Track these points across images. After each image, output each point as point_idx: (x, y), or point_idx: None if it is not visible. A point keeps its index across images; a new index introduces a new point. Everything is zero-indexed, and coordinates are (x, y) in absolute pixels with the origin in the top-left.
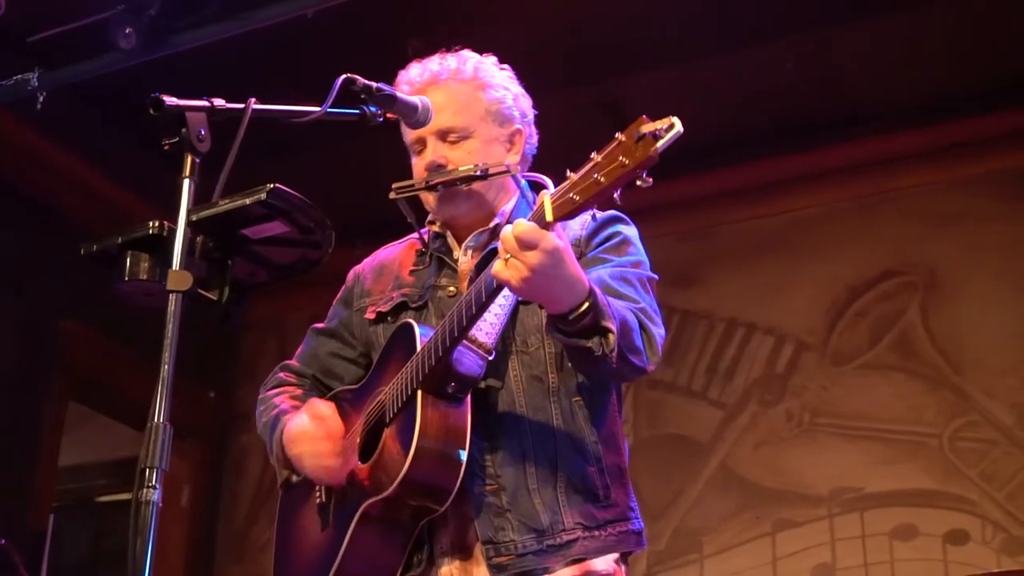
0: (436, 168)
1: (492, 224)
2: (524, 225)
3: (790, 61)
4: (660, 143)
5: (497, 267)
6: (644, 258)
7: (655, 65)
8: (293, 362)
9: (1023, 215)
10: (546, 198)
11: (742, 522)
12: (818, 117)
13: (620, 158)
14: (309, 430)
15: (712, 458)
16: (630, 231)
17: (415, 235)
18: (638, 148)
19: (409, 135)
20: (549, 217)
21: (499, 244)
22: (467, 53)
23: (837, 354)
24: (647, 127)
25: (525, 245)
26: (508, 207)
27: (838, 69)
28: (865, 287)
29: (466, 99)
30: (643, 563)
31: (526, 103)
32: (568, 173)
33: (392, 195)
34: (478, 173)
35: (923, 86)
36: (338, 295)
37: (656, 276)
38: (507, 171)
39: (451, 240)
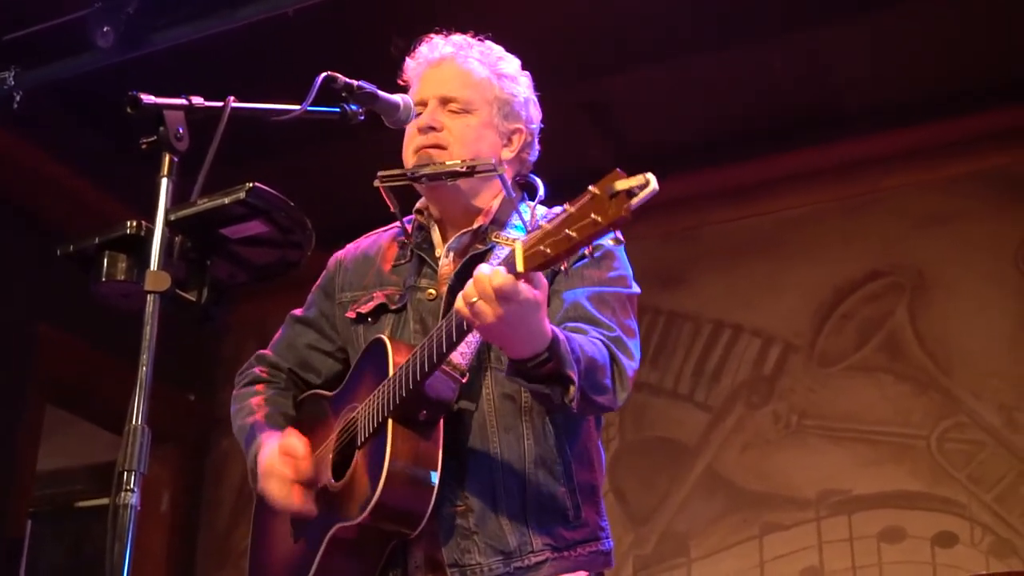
0: (429, 130)
1: (476, 225)
2: (502, 277)
3: (777, 61)
4: (634, 201)
5: (460, 304)
6: (627, 272)
7: (642, 65)
8: (269, 352)
9: (1010, 215)
10: (518, 246)
11: (729, 525)
12: (804, 117)
13: (592, 215)
14: (279, 469)
15: (699, 461)
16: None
17: (398, 224)
18: (611, 205)
19: (412, 96)
20: (520, 268)
21: (471, 282)
22: (494, 44)
23: (824, 356)
24: (622, 183)
25: (500, 296)
26: (493, 205)
27: (825, 69)
28: (852, 288)
29: (480, 79)
30: (629, 568)
31: (536, 112)
32: (566, 205)
33: (376, 183)
34: (464, 169)
35: (910, 86)
36: (318, 281)
37: (638, 291)
38: (492, 170)
39: (435, 235)
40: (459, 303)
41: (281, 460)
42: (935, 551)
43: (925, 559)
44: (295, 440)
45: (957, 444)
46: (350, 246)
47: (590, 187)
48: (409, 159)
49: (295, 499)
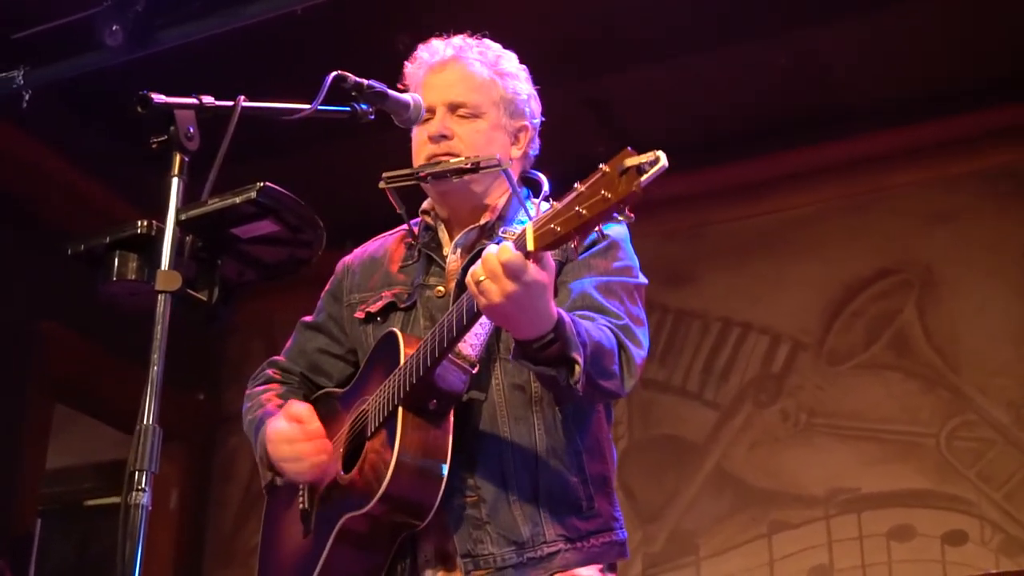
0: (440, 138)
1: (482, 221)
2: (510, 252)
3: (780, 59)
4: (644, 178)
5: (468, 280)
6: (633, 262)
7: (645, 62)
8: (281, 358)
9: (1015, 213)
10: (529, 226)
11: (738, 524)
12: (810, 115)
13: (602, 191)
14: (287, 432)
15: (707, 459)
16: (619, 232)
17: (405, 226)
18: (621, 182)
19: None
20: (530, 247)
21: (479, 262)
22: (491, 42)
23: (833, 353)
24: (631, 160)
25: (508, 272)
26: (500, 202)
27: (829, 67)
28: (861, 286)
29: (483, 80)
30: (638, 566)
31: (536, 106)
32: (577, 184)
33: (382, 184)
34: (469, 166)
35: (915, 83)
36: (327, 287)
37: (645, 281)
38: (498, 165)
39: (442, 234)
40: (468, 279)
41: (288, 424)
42: (945, 549)
43: (935, 557)
44: (299, 406)
45: (966, 442)
46: (357, 250)
47: (600, 165)
48: None
49: (305, 454)
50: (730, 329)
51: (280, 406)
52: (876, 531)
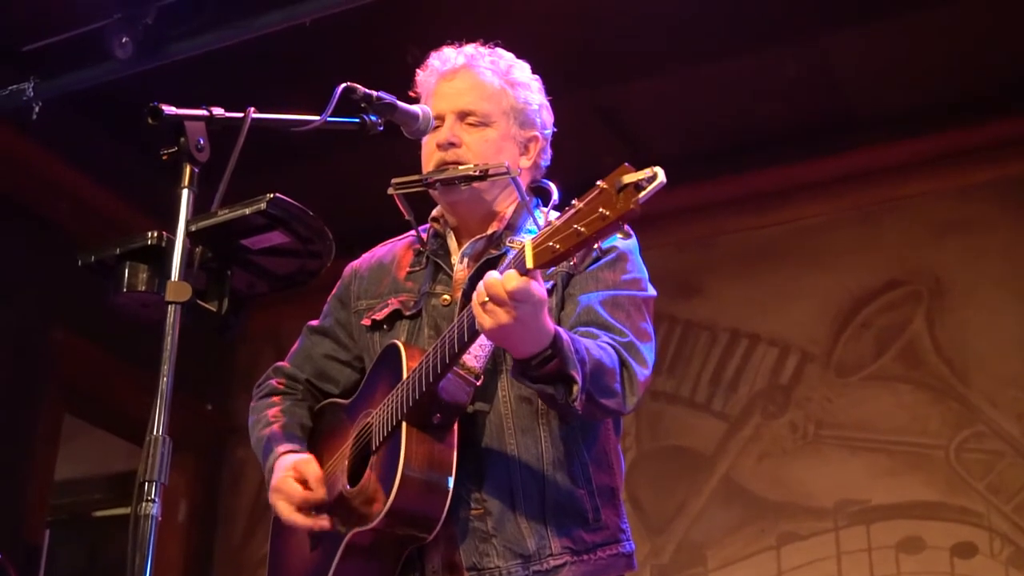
0: (449, 146)
1: (490, 231)
2: (516, 280)
3: (793, 69)
4: (642, 195)
5: (475, 306)
6: (642, 274)
7: (655, 72)
8: (286, 364)
9: None
10: (527, 244)
11: (746, 535)
12: (820, 125)
13: (600, 209)
14: (291, 492)
15: (715, 470)
16: (628, 243)
17: (414, 232)
18: (619, 200)
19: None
20: (529, 264)
21: (482, 288)
22: (503, 51)
23: (842, 365)
24: (629, 177)
25: (516, 298)
26: (508, 211)
27: (839, 77)
28: (870, 297)
29: (494, 90)
30: None
31: (548, 117)
32: (575, 200)
33: (391, 190)
34: (477, 173)
35: (925, 93)
36: (334, 290)
37: (653, 294)
38: (506, 172)
39: (451, 241)
40: (475, 304)
41: (292, 482)
42: (954, 562)
43: (944, 570)
44: (310, 466)
45: (976, 454)
46: (365, 255)
47: (598, 182)
48: None
49: (298, 521)
50: (738, 340)
51: (285, 426)
52: (885, 543)
